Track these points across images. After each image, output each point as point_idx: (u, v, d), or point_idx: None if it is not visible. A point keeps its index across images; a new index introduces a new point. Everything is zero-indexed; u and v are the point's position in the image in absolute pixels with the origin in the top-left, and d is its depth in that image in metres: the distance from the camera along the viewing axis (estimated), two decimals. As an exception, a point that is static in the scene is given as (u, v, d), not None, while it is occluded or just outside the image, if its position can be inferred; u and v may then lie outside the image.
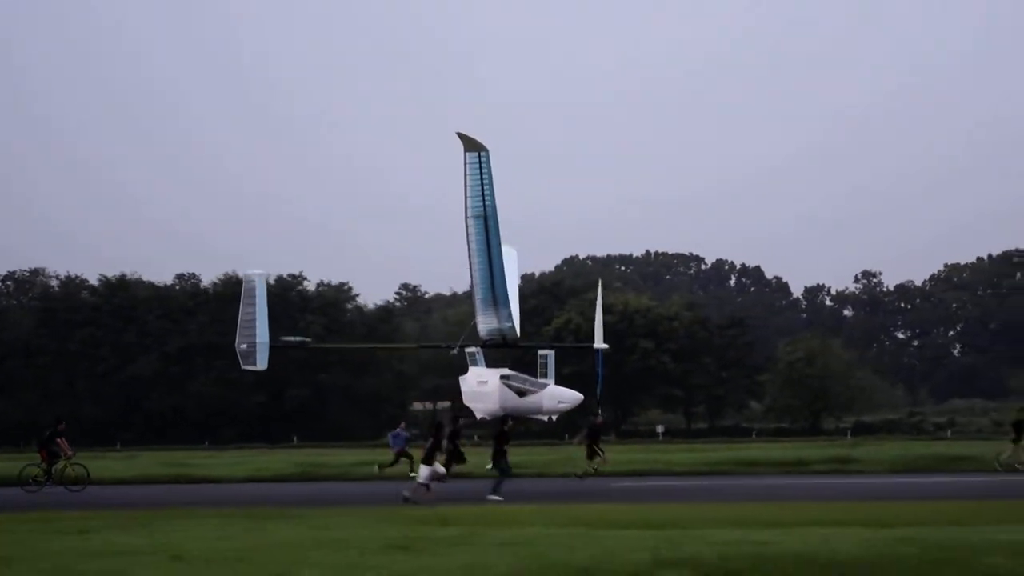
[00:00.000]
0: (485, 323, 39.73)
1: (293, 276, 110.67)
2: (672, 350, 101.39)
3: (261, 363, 41.75)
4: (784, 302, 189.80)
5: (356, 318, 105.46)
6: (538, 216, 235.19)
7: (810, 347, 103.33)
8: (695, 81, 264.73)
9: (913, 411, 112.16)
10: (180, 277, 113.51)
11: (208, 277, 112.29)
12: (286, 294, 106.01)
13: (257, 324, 41.71)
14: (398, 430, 43.69)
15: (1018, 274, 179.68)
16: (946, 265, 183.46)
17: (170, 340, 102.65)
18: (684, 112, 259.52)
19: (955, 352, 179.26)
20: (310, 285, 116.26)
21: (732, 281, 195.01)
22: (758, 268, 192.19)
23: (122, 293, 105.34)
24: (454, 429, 37.59)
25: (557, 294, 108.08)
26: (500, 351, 44.33)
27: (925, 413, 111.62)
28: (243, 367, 42.44)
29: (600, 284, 55.55)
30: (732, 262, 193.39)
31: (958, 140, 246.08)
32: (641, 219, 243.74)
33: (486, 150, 33.63)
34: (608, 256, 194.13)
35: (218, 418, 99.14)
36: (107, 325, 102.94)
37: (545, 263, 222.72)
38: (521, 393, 41.23)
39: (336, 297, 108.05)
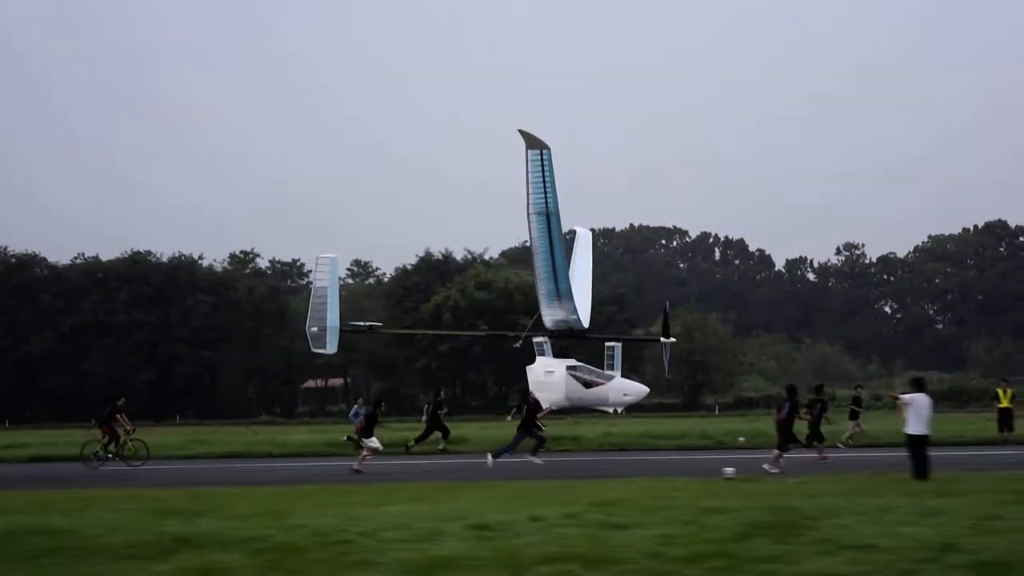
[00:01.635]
0: (550, 315, 41.14)
1: (183, 256, 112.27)
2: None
3: (331, 346, 42.80)
4: (766, 274, 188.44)
5: (244, 297, 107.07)
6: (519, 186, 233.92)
7: (687, 321, 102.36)
8: (681, 48, 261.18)
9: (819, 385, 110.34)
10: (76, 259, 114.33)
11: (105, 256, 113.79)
12: (176, 274, 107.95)
13: (328, 308, 42.34)
14: (356, 407, 43.02)
15: (1002, 246, 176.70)
16: (930, 236, 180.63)
17: (64, 319, 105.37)
18: (668, 83, 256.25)
19: (938, 325, 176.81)
20: (213, 263, 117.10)
21: (716, 254, 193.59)
22: (741, 240, 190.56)
23: (18, 273, 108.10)
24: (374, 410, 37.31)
25: (444, 271, 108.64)
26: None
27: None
28: (313, 350, 43.68)
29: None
30: (716, 235, 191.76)
31: (945, 111, 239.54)
32: (627, 192, 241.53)
33: (548, 148, 34.44)
34: (591, 229, 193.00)
35: (109, 396, 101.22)
36: (3, 304, 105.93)
37: (522, 234, 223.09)
38: (587, 384, 42.68)
39: (227, 276, 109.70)
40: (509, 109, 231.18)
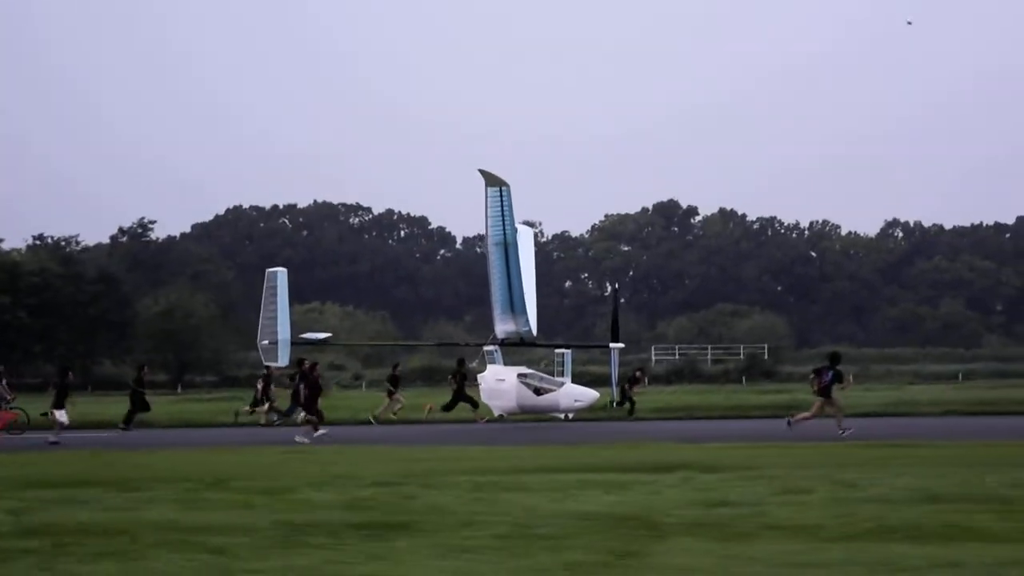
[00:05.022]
0: (503, 328, 42.57)
1: None
2: (31, 305, 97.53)
3: (282, 359, 42.86)
4: (445, 251, 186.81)
5: None
6: (213, 160, 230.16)
7: (171, 300, 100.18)
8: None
9: (335, 364, 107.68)
10: None
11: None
12: None
13: (279, 320, 42.50)
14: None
15: (674, 226, 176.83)
16: (606, 215, 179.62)
17: None
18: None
19: (607, 304, 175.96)
20: None
21: (402, 232, 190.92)
22: (424, 218, 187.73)
23: None
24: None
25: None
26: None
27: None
28: (264, 363, 43.57)
29: (616, 286, 60.47)
30: (400, 212, 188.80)
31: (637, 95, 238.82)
32: (318, 168, 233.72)
33: (507, 185, 37.43)
34: (274, 207, 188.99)
35: None
36: None
37: (205, 212, 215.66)
38: (538, 391, 43.33)
39: None
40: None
